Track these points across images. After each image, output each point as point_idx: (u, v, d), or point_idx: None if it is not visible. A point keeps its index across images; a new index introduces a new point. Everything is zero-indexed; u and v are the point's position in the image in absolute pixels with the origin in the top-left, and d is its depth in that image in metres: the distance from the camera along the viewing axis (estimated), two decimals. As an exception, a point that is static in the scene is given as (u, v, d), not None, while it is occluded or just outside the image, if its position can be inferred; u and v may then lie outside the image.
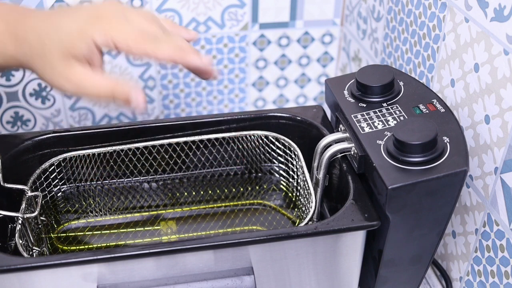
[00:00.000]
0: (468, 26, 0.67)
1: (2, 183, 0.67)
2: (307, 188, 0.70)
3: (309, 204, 0.69)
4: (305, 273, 0.65)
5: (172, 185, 0.80)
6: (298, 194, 0.77)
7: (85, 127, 0.74)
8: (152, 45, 0.58)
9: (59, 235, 0.73)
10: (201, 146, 0.77)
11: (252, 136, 0.77)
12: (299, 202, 0.76)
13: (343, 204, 0.63)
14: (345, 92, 0.70)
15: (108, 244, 0.72)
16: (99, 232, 0.74)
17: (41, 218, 0.72)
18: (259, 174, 0.82)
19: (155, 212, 0.77)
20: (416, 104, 0.66)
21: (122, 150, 0.75)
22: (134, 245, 0.71)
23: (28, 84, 1.00)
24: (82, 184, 0.78)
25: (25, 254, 0.62)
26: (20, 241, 0.63)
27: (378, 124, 0.64)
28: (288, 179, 0.80)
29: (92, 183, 0.78)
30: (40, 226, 0.72)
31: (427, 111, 0.65)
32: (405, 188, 0.57)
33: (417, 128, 0.59)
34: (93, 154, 0.74)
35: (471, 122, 0.69)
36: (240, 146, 0.78)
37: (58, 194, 0.77)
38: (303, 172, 0.71)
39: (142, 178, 0.79)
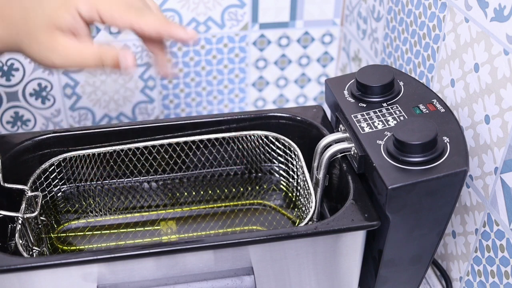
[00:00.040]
0: (468, 26, 0.67)
1: (2, 183, 0.67)
2: (307, 188, 0.70)
3: (309, 204, 0.69)
4: (305, 273, 0.65)
5: (172, 185, 0.80)
6: (298, 194, 0.77)
7: (85, 127, 0.74)
8: (137, 16, 0.58)
9: (59, 235, 0.73)
10: (201, 146, 0.77)
11: (252, 136, 0.77)
12: (299, 202, 0.76)
13: (343, 204, 0.63)
14: (345, 92, 0.70)
15: (108, 244, 0.72)
16: (99, 232, 0.74)
17: (41, 218, 0.73)
18: (259, 174, 0.82)
19: (155, 212, 0.77)
20: (416, 104, 0.66)
21: (122, 150, 0.75)
22: (134, 245, 0.71)
23: (28, 84, 1.00)
24: (82, 184, 0.78)
25: (25, 254, 0.62)
26: (20, 241, 0.63)
27: (378, 124, 0.64)
28: (288, 179, 0.80)
29: (92, 183, 0.78)
30: (40, 226, 0.72)
31: (427, 111, 0.65)
32: (405, 188, 0.57)
33: (417, 128, 0.59)
34: (93, 154, 0.74)
35: (471, 122, 0.69)
36: (240, 146, 0.78)
37: (58, 194, 0.77)
38: (303, 172, 0.71)
39: (142, 178, 0.79)
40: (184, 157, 0.77)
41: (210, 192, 0.79)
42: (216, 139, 0.76)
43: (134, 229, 0.74)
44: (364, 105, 0.67)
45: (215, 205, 0.78)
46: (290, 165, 0.78)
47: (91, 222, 0.75)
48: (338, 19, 1.07)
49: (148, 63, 1.03)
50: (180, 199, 0.78)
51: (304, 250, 0.63)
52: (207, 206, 0.78)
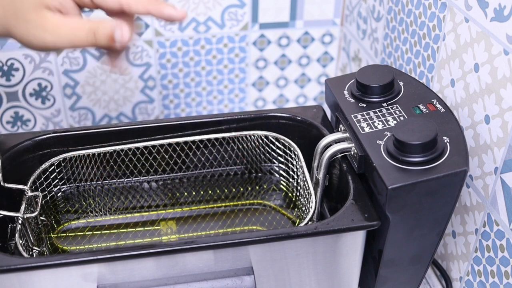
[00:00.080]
0: (468, 26, 0.67)
1: (2, 183, 0.67)
2: (307, 188, 0.70)
3: (309, 204, 0.69)
4: (305, 273, 0.65)
5: (172, 185, 0.80)
6: (298, 194, 0.77)
7: (85, 127, 0.74)
8: None
9: (59, 235, 0.73)
10: (201, 146, 0.77)
11: (252, 136, 0.77)
12: (299, 202, 0.76)
13: (343, 204, 0.63)
14: (345, 92, 0.70)
15: (108, 244, 0.72)
16: (99, 232, 0.74)
17: (41, 218, 0.73)
18: (259, 174, 0.82)
19: (155, 212, 0.77)
20: (416, 104, 0.66)
21: (122, 150, 0.75)
22: (134, 245, 0.71)
23: (28, 84, 1.00)
24: (82, 184, 0.78)
25: (25, 254, 0.62)
26: (20, 241, 0.63)
27: (378, 124, 0.64)
28: (288, 179, 0.80)
29: (92, 183, 0.78)
30: (40, 226, 0.72)
31: (427, 111, 0.65)
32: (405, 188, 0.57)
33: (417, 128, 0.59)
34: (93, 154, 0.74)
35: (471, 122, 0.69)
36: (240, 146, 0.78)
37: (58, 194, 0.77)
38: (303, 172, 0.71)
39: (142, 178, 0.79)
40: (184, 157, 0.77)
41: (210, 192, 0.79)
42: (216, 139, 0.76)
43: (134, 229, 0.74)
44: (364, 105, 0.67)
45: (215, 205, 0.78)
46: (290, 165, 0.78)
47: (91, 222, 0.75)
48: (338, 19, 1.07)
49: (148, 63, 1.03)
50: (180, 199, 0.78)
51: (304, 250, 0.63)
52: (207, 206, 0.78)
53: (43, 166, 0.72)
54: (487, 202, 0.67)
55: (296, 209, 0.77)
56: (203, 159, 0.79)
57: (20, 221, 0.65)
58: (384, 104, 0.67)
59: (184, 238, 0.73)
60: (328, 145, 0.68)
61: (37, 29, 0.56)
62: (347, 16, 1.05)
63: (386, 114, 0.66)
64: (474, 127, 0.68)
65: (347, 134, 0.66)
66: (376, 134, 0.63)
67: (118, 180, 0.79)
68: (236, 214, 0.76)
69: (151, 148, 0.75)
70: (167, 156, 0.77)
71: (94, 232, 0.74)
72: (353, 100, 0.69)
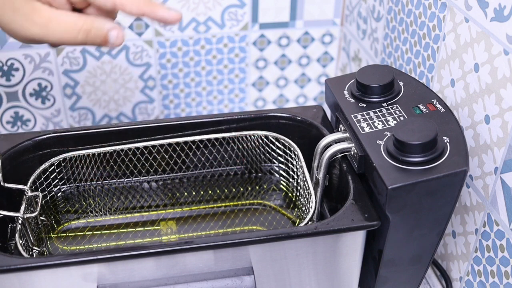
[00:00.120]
0: (468, 26, 0.67)
1: (2, 183, 0.67)
2: (307, 188, 0.70)
3: (309, 204, 0.69)
4: (305, 273, 0.65)
5: (172, 185, 0.80)
6: (298, 194, 0.77)
7: (85, 127, 0.74)
8: None
9: (59, 235, 0.73)
10: (201, 146, 0.77)
11: (252, 136, 0.77)
12: (299, 202, 0.76)
13: (343, 204, 0.63)
14: (345, 92, 0.70)
15: (108, 244, 0.72)
16: (99, 232, 0.74)
17: (41, 218, 0.73)
18: (259, 174, 0.82)
19: (155, 212, 0.77)
20: (416, 104, 0.66)
21: (122, 150, 0.75)
22: (134, 245, 0.71)
23: (28, 84, 1.00)
24: (82, 184, 0.78)
25: (25, 254, 0.62)
26: (20, 241, 0.63)
27: (378, 124, 0.64)
28: (288, 179, 0.80)
29: (92, 183, 0.78)
30: (40, 226, 0.72)
31: (427, 111, 0.65)
32: (405, 188, 0.57)
33: (417, 128, 0.59)
34: (93, 154, 0.74)
35: (471, 122, 0.69)
36: (240, 146, 0.78)
37: (58, 194, 0.77)
38: (303, 172, 0.71)
39: (142, 178, 0.79)
40: (184, 157, 0.77)
41: (210, 192, 0.79)
42: (216, 139, 0.76)
43: (134, 229, 0.74)
44: (364, 105, 0.67)
45: (215, 205, 0.78)
46: (290, 165, 0.78)
47: (91, 222, 0.75)
48: (338, 19, 1.07)
49: (148, 63, 1.03)
50: (180, 199, 0.78)
51: (304, 250, 0.63)
52: (207, 206, 0.78)
53: (43, 166, 0.72)
54: (487, 202, 0.67)
55: (296, 209, 0.77)
56: (203, 159, 0.79)
57: (20, 221, 0.65)
58: (384, 104, 0.67)
59: (184, 238, 0.73)
60: (328, 145, 0.68)
61: (25, 19, 0.54)
62: (347, 16, 1.05)
63: (386, 114, 0.66)
64: (474, 127, 0.68)
65: (347, 134, 0.66)
66: (376, 134, 0.63)
67: (118, 180, 0.79)
68: (236, 214, 0.76)
69: (151, 148, 0.75)
70: (167, 156, 0.77)
71: (94, 232, 0.74)
72: (353, 100, 0.69)
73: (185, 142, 0.76)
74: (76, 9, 0.59)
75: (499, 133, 0.63)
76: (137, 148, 0.75)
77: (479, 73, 0.66)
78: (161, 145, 0.75)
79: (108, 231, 0.74)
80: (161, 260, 0.60)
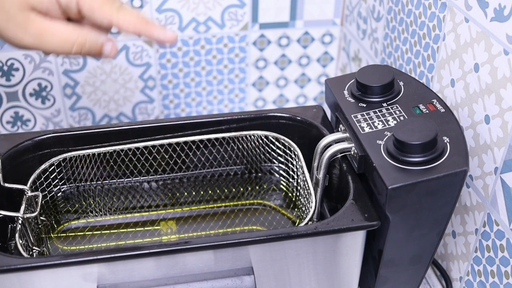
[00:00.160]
0: (468, 26, 0.67)
1: (2, 183, 0.67)
2: (307, 188, 0.70)
3: (309, 204, 0.68)
4: (305, 273, 0.65)
5: (172, 185, 0.80)
6: (298, 194, 0.77)
7: (85, 127, 0.74)
8: (117, 12, 0.56)
9: (59, 235, 0.73)
10: (201, 146, 0.77)
11: (252, 136, 0.77)
12: (299, 202, 0.76)
13: (343, 204, 0.63)
14: (345, 92, 0.70)
15: (108, 244, 0.72)
16: (99, 232, 0.74)
17: (41, 218, 0.73)
18: (259, 174, 0.82)
19: (155, 212, 0.77)
20: (416, 104, 0.66)
21: (122, 150, 0.75)
22: (134, 245, 0.71)
23: (28, 84, 1.00)
24: (82, 184, 0.78)
25: (25, 254, 0.62)
26: (20, 241, 0.63)
27: (378, 124, 0.64)
28: (288, 179, 0.80)
29: (92, 183, 0.78)
30: (40, 226, 0.72)
31: (427, 111, 0.65)
32: (405, 188, 0.57)
33: (417, 128, 0.59)
34: (93, 154, 0.74)
35: (471, 122, 0.69)
36: (240, 146, 0.78)
37: (58, 194, 0.77)
38: (303, 172, 0.71)
39: (142, 178, 0.79)
40: (184, 157, 0.77)
41: (210, 192, 0.79)
42: (216, 139, 0.76)
43: (134, 229, 0.74)
44: (364, 105, 0.67)
45: (215, 205, 0.78)
46: (290, 165, 0.78)
47: (91, 222, 0.75)
48: (338, 19, 1.07)
49: (148, 63, 1.03)
50: (180, 199, 0.78)
51: (304, 250, 0.63)
52: (207, 206, 0.78)
53: (43, 166, 0.72)
54: (487, 202, 0.67)
55: (296, 209, 0.77)
56: (203, 159, 0.79)
57: (20, 221, 0.65)
58: (384, 104, 0.67)
59: (184, 238, 0.73)
60: (328, 145, 0.68)
61: (19, 29, 0.55)
62: (347, 16, 1.05)
63: (386, 114, 0.66)
64: (474, 127, 0.68)
65: (347, 134, 0.66)
66: (376, 134, 0.63)
67: (118, 180, 0.79)
68: (236, 214, 0.76)
69: (151, 148, 0.75)
70: (167, 156, 0.77)
71: (94, 232, 0.74)
72: (353, 100, 0.69)
73: (185, 142, 0.76)
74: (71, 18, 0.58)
75: (499, 133, 0.63)
76: (137, 148, 0.75)
77: (479, 73, 0.66)
78: (161, 145, 0.75)
79: (108, 231, 0.74)
80: (161, 260, 0.60)
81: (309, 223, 0.65)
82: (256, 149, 0.79)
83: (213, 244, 0.59)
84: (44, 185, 0.74)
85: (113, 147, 0.74)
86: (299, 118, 0.77)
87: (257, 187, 0.80)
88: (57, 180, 0.76)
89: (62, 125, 1.06)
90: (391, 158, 0.60)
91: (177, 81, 1.06)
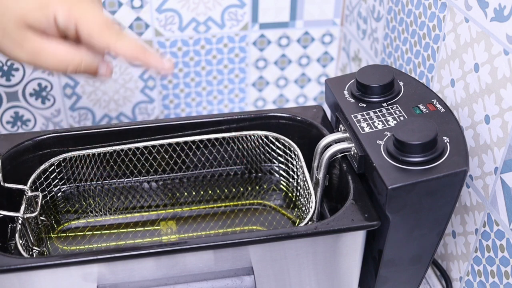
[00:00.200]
0: (468, 26, 0.67)
1: (2, 183, 0.67)
2: (307, 188, 0.70)
3: (309, 204, 0.69)
4: (305, 273, 0.65)
5: (172, 185, 0.80)
6: (298, 194, 0.77)
7: (85, 127, 0.74)
8: (115, 38, 0.56)
9: (59, 235, 0.73)
10: (201, 146, 0.77)
11: (252, 136, 0.77)
12: (299, 202, 0.76)
13: (343, 204, 0.63)
14: (345, 92, 0.70)
15: (108, 244, 0.72)
16: (99, 232, 0.74)
17: (41, 218, 0.73)
18: (259, 174, 0.82)
19: (155, 212, 0.77)
20: (416, 104, 0.66)
21: (122, 150, 0.75)
22: (134, 245, 0.71)
23: (28, 84, 1.00)
24: (82, 184, 0.78)
25: (25, 254, 0.62)
26: (20, 241, 0.63)
27: (378, 124, 0.64)
28: (288, 179, 0.80)
29: (92, 183, 0.78)
30: (40, 226, 0.72)
31: (427, 111, 0.65)
32: (405, 188, 0.57)
33: (417, 128, 0.59)
34: (93, 154, 0.74)
35: (471, 122, 0.69)
36: (240, 146, 0.78)
37: (58, 194, 0.77)
38: (303, 172, 0.71)
39: (142, 178, 0.79)
40: (184, 157, 0.77)
41: (210, 192, 0.79)
42: (216, 139, 0.76)
43: (134, 229, 0.74)
44: (364, 105, 0.67)
45: (215, 205, 0.78)
46: (290, 165, 0.78)
47: (91, 222, 0.75)
48: (338, 19, 1.07)
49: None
50: (180, 199, 0.78)
51: (304, 250, 0.63)
52: (207, 206, 0.78)
53: (43, 166, 0.72)
54: (487, 202, 0.67)
55: (296, 209, 0.77)
56: (203, 159, 0.79)
57: (20, 221, 0.65)
58: (384, 104, 0.67)
59: (184, 238, 0.73)
60: (328, 145, 0.68)
61: (14, 45, 0.55)
62: (347, 16, 1.05)
63: (386, 114, 0.66)
64: (474, 127, 0.68)
65: (347, 134, 0.66)
66: (376, 134, 0.63)
67: (118, 180, 0.79)
68: (236, 214, 0.76)
69: (151, 148, 0.75)
70: (167, 156, 0.77)
71: (94, 232, 0.74)
72: (353, 100, 0.69)
73: (185, 142, 0.76)
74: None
75: (499, 133, 0.63)
76: (137, 148, 0.75)
77: (479, 73, 0.66)
78: (161, 145, 0.75)
79: (108, 231, 0.74)
80: (161, 260, 0.60)
81: (309, 223, 0.65)
82: (256, 149, 0.79)
83: (213, 244, 0.59)
84: (44, 185, 0.74)
85: (113, 147, 0.74)
86: (299, 118, 0.77)
87: (257, 187, 0.80)
88: (57, 180, 0.76)
89: (62, 125, 1.06)
90: (391, 158, 0.60)
91: (177, 81, 1.06)
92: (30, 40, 0.54)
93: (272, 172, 0.82)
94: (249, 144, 0.78)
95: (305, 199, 0.71)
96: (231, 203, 0.78)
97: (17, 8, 0.54)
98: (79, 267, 0.58)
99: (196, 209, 0.77)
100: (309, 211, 0.66)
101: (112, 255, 0.58)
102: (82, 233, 0.74)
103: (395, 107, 0.66)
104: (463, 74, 0.69)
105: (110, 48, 0.56)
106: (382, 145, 0.61)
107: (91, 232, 0.74)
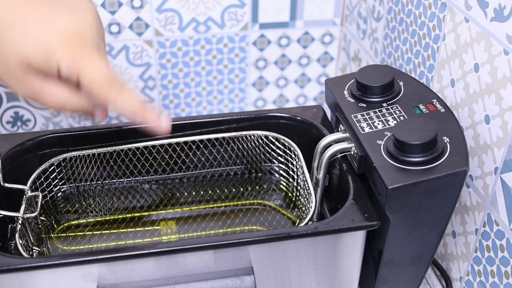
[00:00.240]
0: (468, 26, 0.67)
1: (2, 183, 0.67)
2: (307, 188, 0.70)
3: (309, 204, 0.69)
4: (305, 273, 0.65)
5: (172, 185, 0.80)
6: (298, 194, 0.77)
7: (85, 127, 0.74)
8: (116, 93, 0.56)
9: (59, 235, 0.73)
10: (201, 146, 0.77)
11: (252, 136, 0.77)
12: (299, 202, 0.76)
13: (343, 204, 0.63)
14: (345, 92, 0.70)
15: (108, 244, 0.72)
16: (99, 232, 0.74)
17: (41, 218, 0.73)
18: (259, 174, 0.82)
19: (155, 212, 0.77)
20: (416, 104, 0.66)
21: (122, 150, 0.75)
22: (134, 245, 0.71)
23: (28, 84, 1.00)
24: (82, 184, 0.78)
25: (25, 254, 0.62)
26: (20, 241, 0.63)
27: (378, 124, 0.64)
28: (288, 179, 0.80)
29: (92, 183, 0.78)
30: (40, 226, 0.72)
31: (427, 111, 0.65)
32: (405, 188, 0.57)
33: (417, 128, 0.59)
34: (93, 154, 0.74)
35: (471, 122, 0.69)
36: (240, 146, 0.78)
37: (58, 194, 0.77)
38: (303, 172, 0.71)
39: (142, 178, 0.79)
40: (184, 157, 0.77)
41: (210, 192, 0.79)
42: (216, 139, 0.76)
43: (134, 229, 0.74)
44: (364, 105, 0.67)
45: (215, 205, 0.78)
46: (290, 165, 0.78)
47: (91, 222, 0.75)
48: (338, 19, 1.07)
49: (148, 63, 1.03)
50: (180, 199, 0.78)
51: (304, 250, 0.63)
52: (207, 206, 0.78)
53: (43, 166, 0.72)
54: (487, 202, 0.67)
55: (296, 209, 0.77)
56: (203, 159, 0.79)
57: (20, 221, 0.65)
58: (384, 104, 0.67)
59: (184, 238, 0.73)
60: (328, 145, 0.68)
61: (14, 82, 0.56)
62: (347, 16, 1.05)
63: (386, 114, 0.66)
64: (474, 127, 0.68)
65: (347, 134, 0.66)
66: (376, 134, 0.63)
67: (118, 180, 0.79)
68: (236, 214, 0.76)
69: (151, 148, 0.75)
70: (167, 156, 0.77)
71: (94, 232, 0.74)
72: (353, 100, 0.69)
73: (185, 142, 0.76)
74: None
75: (499, 133, 0.63)
76: (137, 148, 0.75)
77: (479, 73, 0.66)
78: (161, 145, 0.75)
79: (108, 231, 0.74)
80: (161, 260, 0.60)
81: (309, 223, 0.65)
82: (256, 149, 0.79)
83: (213, 244, 0.59)
84: (44, 185, 0.74)
85: (113, 147, 0.74)
86: (299, 118, 0.77)
87: (257, 187, 0.80)
88: (57, 180, 0.76)
89: (62, 125, 1.06)
90: (391, 158, 0.60)
91: (177, 81, 1.06)
92: (31, 81, 0.56)
93: (272, 172, 0.82)
94: (249, 144, 0.78)
95: (305, 199, 0.71)
96: (231, 203, 0.78)
97: (22, 50, 0.54)
98: (79, 267, 0.58)
99: (196, 209, 0.77)
100: (309, 211, 0.66)
101: (112, 255, 0.58)
102: (82, 233, 0.74)
103: (395, 107, 0.66)
104: (463, 74, 0.69)
105: (110, 100, 0.57)
106: (382, 145, 0.61)
107: (91, 232, 0.74)
